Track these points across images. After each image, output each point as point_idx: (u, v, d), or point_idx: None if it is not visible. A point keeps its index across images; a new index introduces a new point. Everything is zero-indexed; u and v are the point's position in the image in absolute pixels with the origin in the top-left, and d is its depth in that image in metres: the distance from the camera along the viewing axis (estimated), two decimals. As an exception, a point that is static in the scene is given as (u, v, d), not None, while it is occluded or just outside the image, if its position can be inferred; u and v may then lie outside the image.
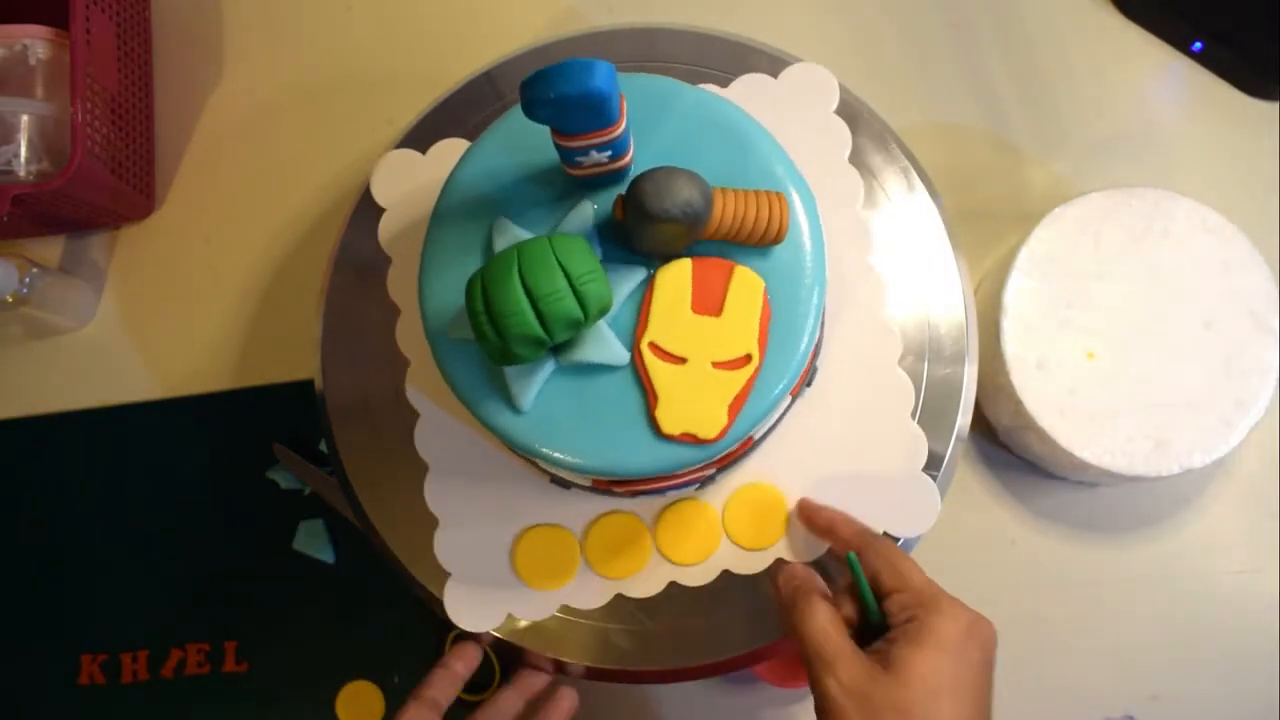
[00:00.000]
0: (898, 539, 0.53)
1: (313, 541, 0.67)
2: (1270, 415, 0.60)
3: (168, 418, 0.70)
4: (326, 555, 0.67)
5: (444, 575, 0.54)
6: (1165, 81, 0.69)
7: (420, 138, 0.58)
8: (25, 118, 0.65)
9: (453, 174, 0.47)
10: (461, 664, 0.55)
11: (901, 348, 0.54)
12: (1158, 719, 0.63)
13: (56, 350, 0.71)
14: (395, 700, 0.66)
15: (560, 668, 0.56)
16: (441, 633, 0.66)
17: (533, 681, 0.57)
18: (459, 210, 0.46)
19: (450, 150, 0.56)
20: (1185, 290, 0.59)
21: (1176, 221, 0.59)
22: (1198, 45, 0.68)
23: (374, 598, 0.66)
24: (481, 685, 0.66)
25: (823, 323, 0.52)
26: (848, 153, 0.55)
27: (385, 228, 0.56)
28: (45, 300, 0.66)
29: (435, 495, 0.54)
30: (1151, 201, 0.60)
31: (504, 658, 0.65)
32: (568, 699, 0.57)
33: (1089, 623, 0.64)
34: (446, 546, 0.54)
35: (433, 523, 0.54)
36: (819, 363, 0.53)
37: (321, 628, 0.67)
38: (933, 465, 0.54)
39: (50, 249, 0.72)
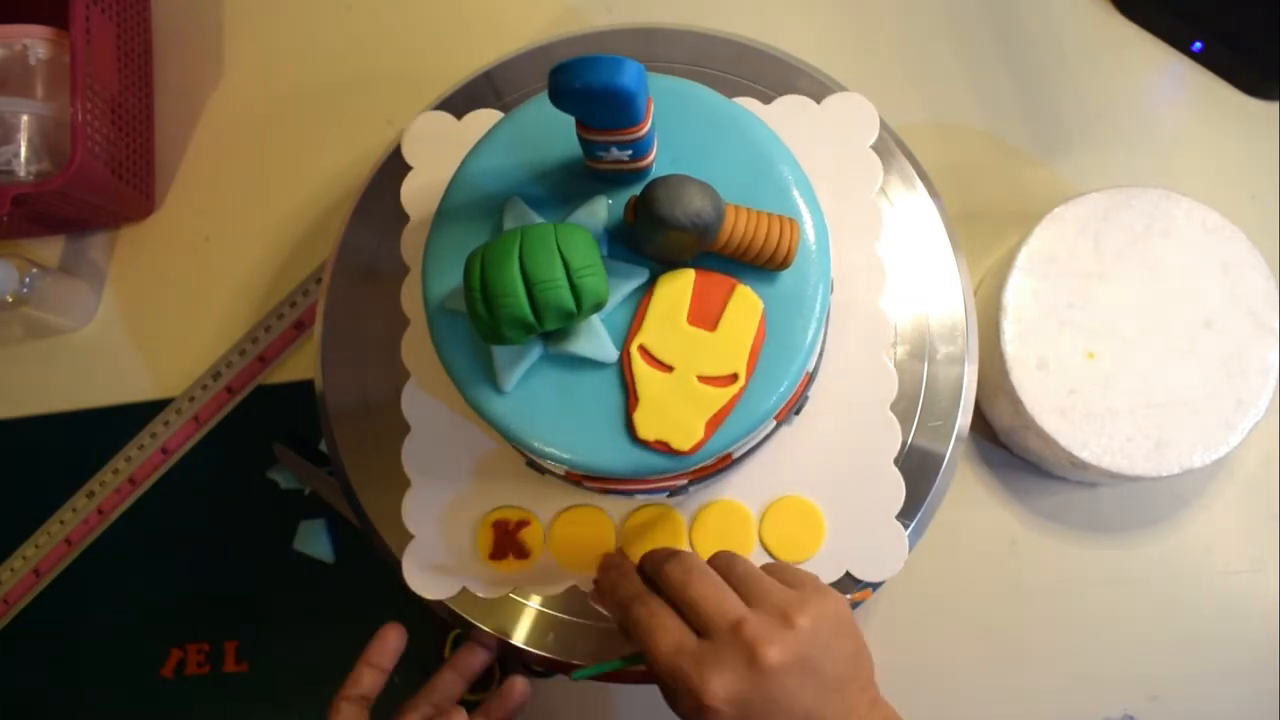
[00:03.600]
0: (859, 581, 0.53)
1: (313, 541, 0.67)
2: (1270, 415, 0.60)
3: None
4: (326, 555, 0.67)
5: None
6: (1165, 81, 0.69)
7: (420, 137, 0.58)
8: (25, 118, 0.65)
9: (473, 151, 0.47)
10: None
11: (897, 392, 0.54)
12: (1158, 719, 0.63)
13: (56, 350, 0.71)
14: (394, 701, 0.66)
15: (558, 667, 0.56)
16: (442, 633, 0.66)
17: (471, 660, 0.57)
18: (475, 187, 0.46)
19: (485, 118, 0.56)
20: (1185, 290, 0.59)
21: (1176, 221, 0.60)
22: (1198, 45, 0.68)
23: (374, 598, 0.66)
24: (483, 684, 0.66)
25: (820, 354, 0.52)
26: (876, 189, 0.55)
27: (408, 186, 0.56)
28: (45, 300, 0.66)
29: (411, 458, 0.55)
30: (1151, 201, 0.60)
31: (504, 659, 0.65)
32: (518, 689, 0.56)
33: (1089, 623, 0.64)
34: (413, 509, 0.54)
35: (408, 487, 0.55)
36: (811, 392, 0.53)
37: (321, 628, 0.67)
38: (933, 466, 0.54)
39: (50, 249, 0.72)
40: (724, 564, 0.46)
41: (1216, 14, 0.67)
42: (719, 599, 0.44)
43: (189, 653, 0.67)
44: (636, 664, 0.46)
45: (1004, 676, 0.64)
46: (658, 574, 0.46)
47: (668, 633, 0.43)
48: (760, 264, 0.43)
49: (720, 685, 0.41)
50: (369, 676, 0.55)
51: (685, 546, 0.53)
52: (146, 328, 0.71)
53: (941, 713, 0.64)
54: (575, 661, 0.55)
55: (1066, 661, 0.64)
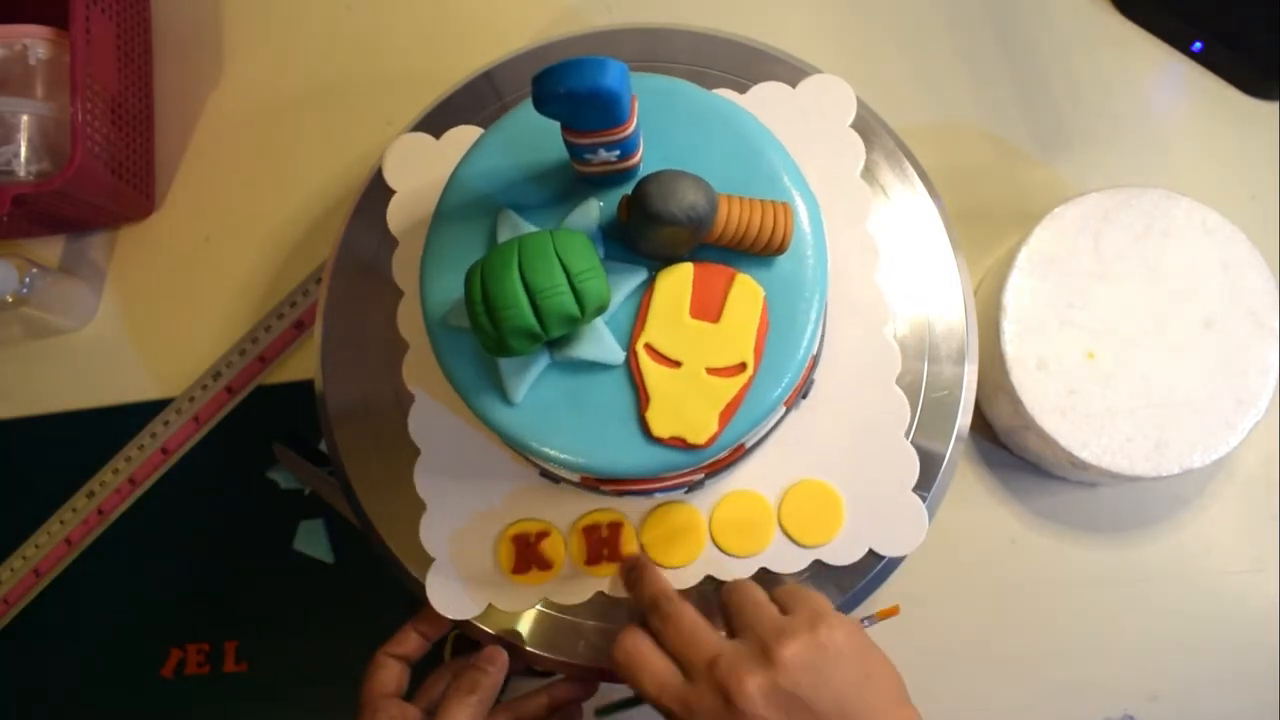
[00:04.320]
0: (884, 558, 0.53)
1: (313, 541, 0.67)
2: (1270, 415, 0.60)
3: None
4: (326, 555, 0.67)
5: (429, 563, 0.54)
6: (1165, 81, 0.69)
7: (420, 138, 0.58)
8: (25, 118, 0.65)
9: (462, 163, 0.47)
10: (494, 668, 0.54)
11: (900, 366, 0.54)
12: (1158, 719, 0.63)
13: (56, 350, 0.71)
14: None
15: (560, 667, 0.56)
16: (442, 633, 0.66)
17: (567, 693, 0.56)
18: (466, 199, 0.46)
19: (464, 136, 0.56)
20: (1185, 290, 0.59)
21: (1176, 221, 0.60)
22: (1198, 45, 0.68)
23: (374, 598, 0.66)
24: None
25: (822, 336, 0.52)
26: (860, 167, 0.55)
27: (394, 210, 0.56)
28: (45, 300, 0.66)
29: (424, 480, 0.54)
30: (1151, 201, 0.60)
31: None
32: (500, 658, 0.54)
33: (1089, 623, 0.64)
34: (431, 532, 0.54)
35: (423, 510, 0.55)
36: (816, 375, 0.53)
37: (321, 628, 0.67)
38: (933, 465, 0.54)
39: (50, 249, 0.72)
40: (724, 593, 0.47)
41: (1216, 14, 0.67)
42: (694, 637, 0.44)
43: (189, 653, 0.67)
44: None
45: (1004, 676, 0.64)
46: (646, 615, 0.47)
47: (653, 674, 0.44)
48: (757, 251, 0.43)
49: None
50: (415, 641, 0.55)
51: (706, 541, 0.53)
52: (146, 328, 0.71)
53: (941, 712, 0.64)
54: (575, 661, 0.55)
55: (1066, 661, 0.64)
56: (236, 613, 0.67)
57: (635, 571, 0.51)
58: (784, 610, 0.45)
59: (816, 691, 0.41)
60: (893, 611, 0.52)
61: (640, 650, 0.45)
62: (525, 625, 0.55)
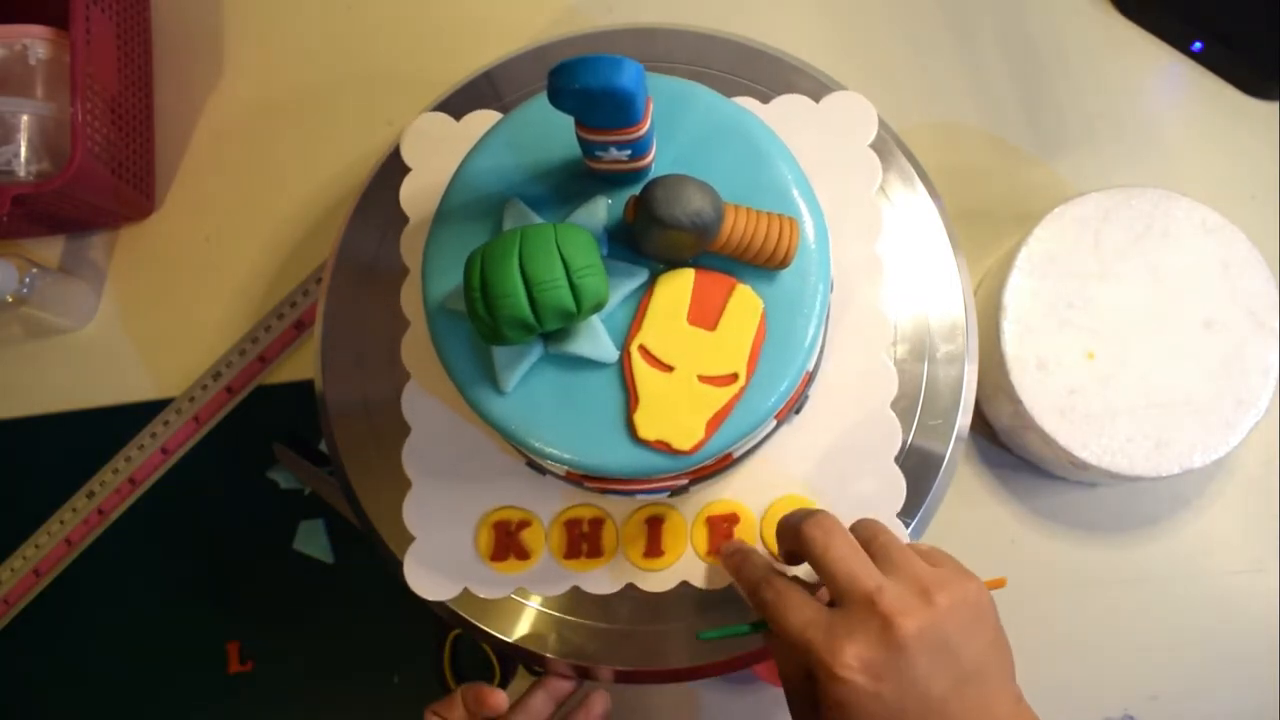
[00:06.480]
0: None
1: (313, 541, 0.67)
2: (1270, 415, 0.60)
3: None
4: (326, 555, 0.67)
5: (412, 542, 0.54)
6: (1165, 81, 0.69)
7: (420, 138, 0.58)
8: (25, 118, 0.65)
9: (470, 154, 0.47)
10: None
11: (897, 390, 0.54)
12: (1158, 719, 0.63)
13: (56, 350, 0.71)
14: (395, 701, 0.66)
15: (559, 668, 0.56)
16: (442, 633, 0.66)
17: (561, 685, 0.56)
18: (473, 190, 0.46)
19: (483, 119, 0.56)
20: (1185, 290, 0.59)
21: (1176, 221, 0.60)
22: (1198, 45, 0.68)
23: (374, 598, 0.66)
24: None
25: (820, 353, 0.52)
26: (876, 187, 0.55)
27: (408, 189, 0.56)
28: (45, 300, 0.66)
29: (411, 459, 0.55)
30: (1151, 201, 0.60)
31: (504, 659, 0.65)
32: (600, 703, 0.56)
33: (1089, 623, 0.64)
34: (414, 511, 0.54)
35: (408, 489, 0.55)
36: (811, 392, 0.53)
37: (321, 628, 0.67)
38: (932, 466, 0.54)
39: (50, 249, 0.72)
40: (866, 533, 0.44)
41: (1216, 14, 0.67)
42: (856, 566, 0.42)
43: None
44: (762, 628, 0.45)
45: (1004, 676, 0.64)
46: (796, 535, 0.44)
47: (797, 610, 0.42)
48: (760, 263, 0.43)
49: (853, 654, 0.40)
50: (461, 710, 0.53)
51: (686, 547, 0.53)
52: (146, 328, 0.71)
53: (941, 713, 0.64)
54: (574, 661, 0.55)
55: (1067, 661, 0.64)
56: (236, 613, 0.68)
57: (739, 555, 0.49)
58: (926, 559, 0.44)
59: (963, 642, 0.41)
60: (999, 583, 0.48)
61: (782, 590, 0.43)
62: (523, 624, 0.55)
